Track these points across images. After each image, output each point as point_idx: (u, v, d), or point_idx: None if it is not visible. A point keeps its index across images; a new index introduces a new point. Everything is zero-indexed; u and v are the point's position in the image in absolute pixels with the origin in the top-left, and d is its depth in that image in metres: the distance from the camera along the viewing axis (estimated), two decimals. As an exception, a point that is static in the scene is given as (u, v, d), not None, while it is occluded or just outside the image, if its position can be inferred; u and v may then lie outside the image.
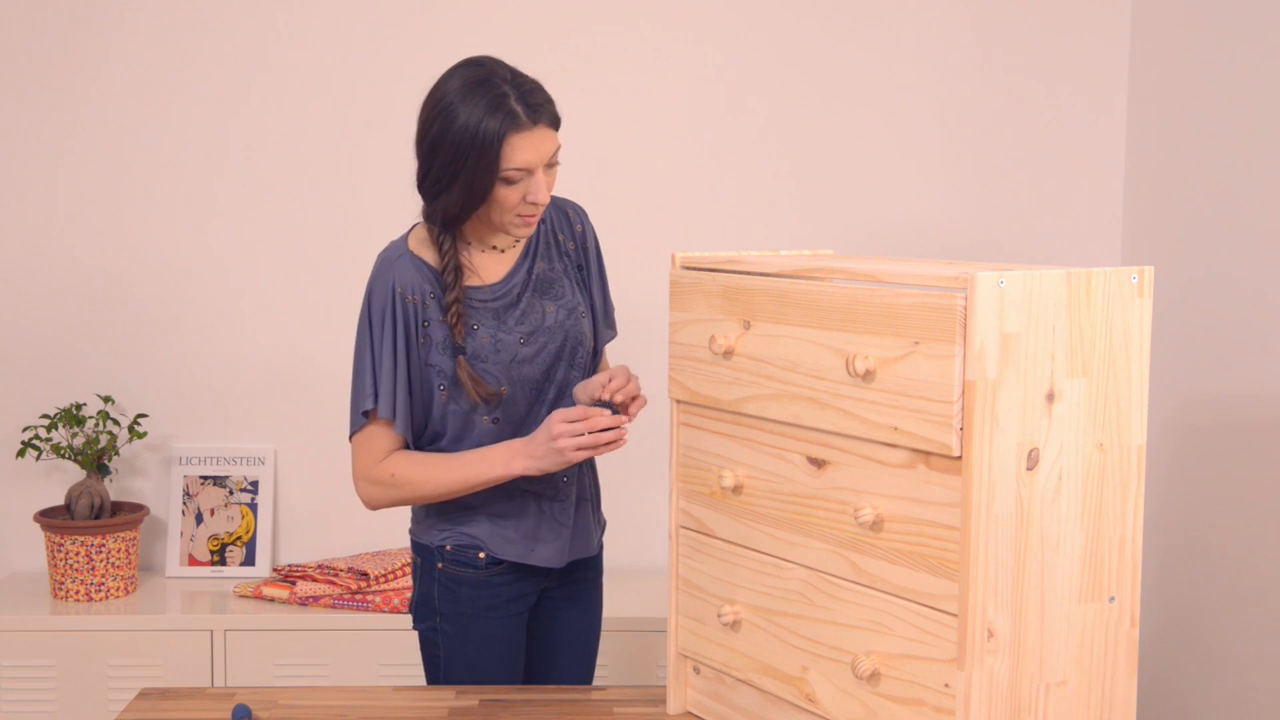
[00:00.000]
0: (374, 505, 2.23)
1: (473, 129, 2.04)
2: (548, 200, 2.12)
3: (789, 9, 3.33)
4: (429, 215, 2.16)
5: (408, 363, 2.15)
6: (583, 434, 2.08)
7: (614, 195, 3.28)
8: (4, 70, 3.29)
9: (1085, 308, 1.59)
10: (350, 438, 2.22)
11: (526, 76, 2.10)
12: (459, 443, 2.19)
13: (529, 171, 2.08)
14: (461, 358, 2.14)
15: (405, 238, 2.21)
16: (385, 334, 2.15)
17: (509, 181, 2.07)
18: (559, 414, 2.10)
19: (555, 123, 2.10)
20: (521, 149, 2.05)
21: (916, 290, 1.58)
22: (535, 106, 2.06)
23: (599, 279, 2.32)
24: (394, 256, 2.17)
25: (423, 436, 2.21)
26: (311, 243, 3.35)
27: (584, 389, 2.17)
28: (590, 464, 2.33)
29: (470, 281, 2.18)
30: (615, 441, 2.10)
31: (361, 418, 2.18)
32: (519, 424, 2.19)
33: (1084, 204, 3.40)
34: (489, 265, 2.21)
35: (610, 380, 2.12)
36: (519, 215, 2.12)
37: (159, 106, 3.31)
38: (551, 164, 2.11)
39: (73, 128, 3.31)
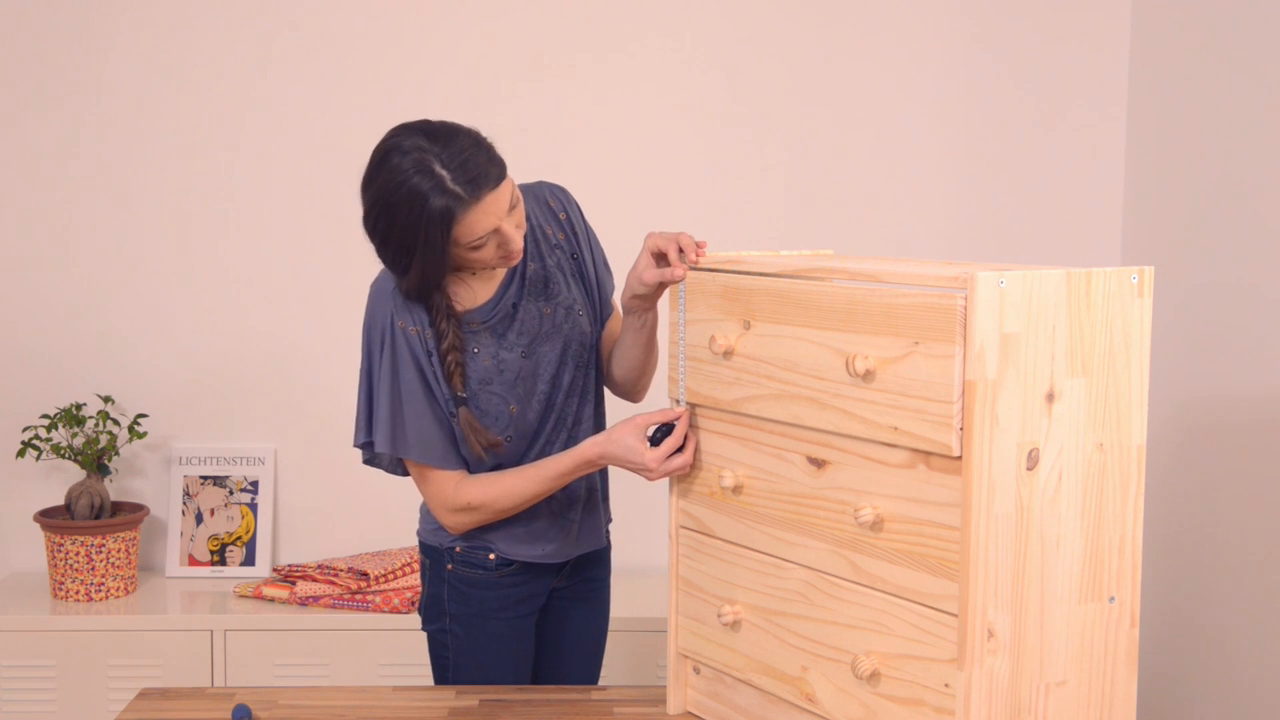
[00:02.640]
0: (459, 530, 2.19)
1: (414, 224, 1.96)
2: (521, 243, 2.04)
3: (790, 10, 3.33)
4: (399, 288, 2.09)
5: (424, 389, 2.10)
6: (673, 454, 1.97)
7: (614, 196, 3.27)
8: (4, 72, 3.29)
9: (1085, 308, 1.59)
10: (365, 462, 2.20)
11: (459, 141, 1.98)
12: (480, 464, 2.17)
13: (493, 231, 2.00)
14: (464, 409, 2.09)
15: None
16: (384, 368, 2.10)
17: (476, 248, 2.01)
18: (639, 425, 1.99)
19: (500, 178, 1.98)
20: (474, 223, 1.97)
21: (916, 290, 1.58)
22: (474, 180, 1.95)
23: (592, 257, 2.26)
24: (387, 290, 2.11)
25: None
26: (312, 242, 3.35)
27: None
28: None
29: (465, 306, 2.13)
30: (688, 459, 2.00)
31: (365, 449, 2.17)
32: (532, 438, 2.17)
33: (1084, 204, 3.40)
34: (481, 285, 2.16)
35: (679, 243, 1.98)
36: (499, 258, 2.06)
37: (160, 107, 3.31)
38: (513, 207, 2.02)
39: (73, 128, 3.31)
